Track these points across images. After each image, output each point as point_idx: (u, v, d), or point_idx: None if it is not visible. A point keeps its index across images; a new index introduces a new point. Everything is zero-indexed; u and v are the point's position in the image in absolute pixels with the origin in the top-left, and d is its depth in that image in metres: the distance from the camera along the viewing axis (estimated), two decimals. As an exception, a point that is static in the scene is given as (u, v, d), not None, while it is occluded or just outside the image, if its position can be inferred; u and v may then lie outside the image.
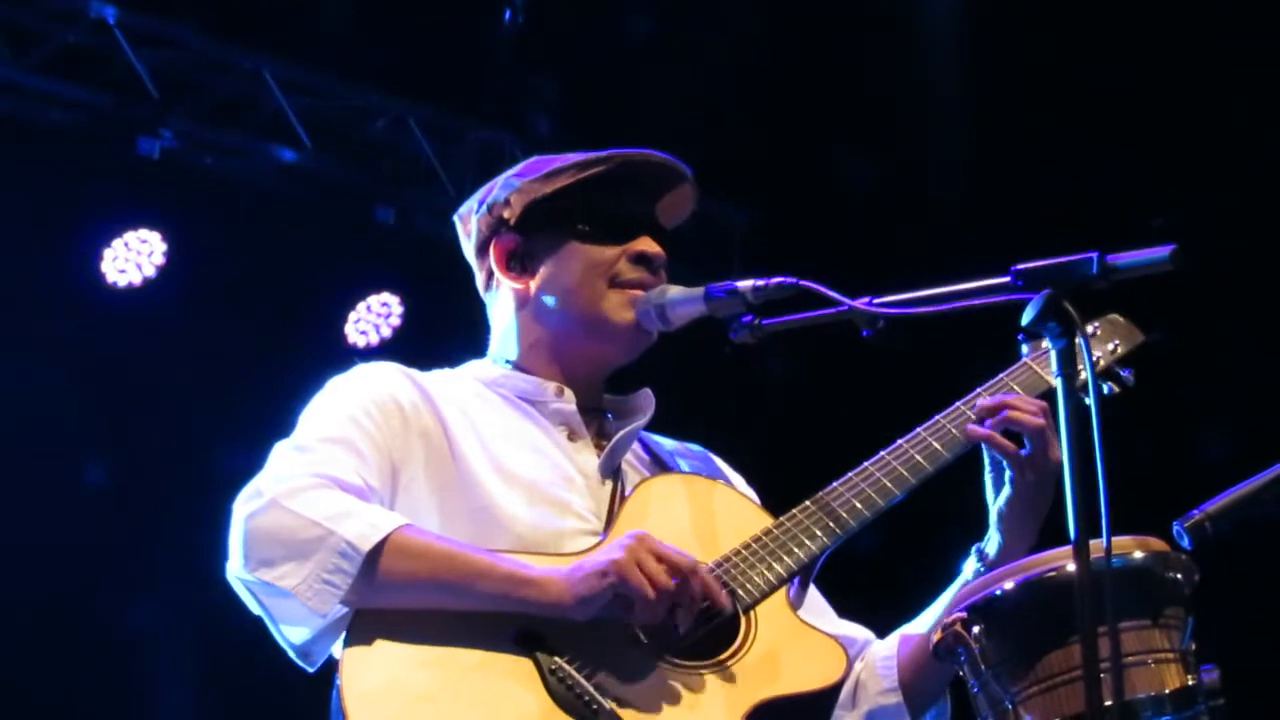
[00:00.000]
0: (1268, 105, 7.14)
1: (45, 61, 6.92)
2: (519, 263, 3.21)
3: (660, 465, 3.25)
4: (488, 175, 3.38)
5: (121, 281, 7.10)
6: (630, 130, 3.60)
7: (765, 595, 2.92)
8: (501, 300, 3.26)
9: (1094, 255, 2.54)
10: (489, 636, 2.78)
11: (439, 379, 3.18)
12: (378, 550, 2.77)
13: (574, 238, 3.16)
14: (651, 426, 3.24)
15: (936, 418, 3.16)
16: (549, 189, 3.16)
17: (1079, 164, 7.60)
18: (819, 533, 3.01)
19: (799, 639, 2.92)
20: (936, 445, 3.10)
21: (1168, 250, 2.54)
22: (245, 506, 2.84)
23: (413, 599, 2.79)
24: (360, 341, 7.68)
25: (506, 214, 3.19)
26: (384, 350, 7.57)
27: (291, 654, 2.88)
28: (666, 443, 3.34)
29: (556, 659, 2.77)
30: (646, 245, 3.16)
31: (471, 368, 3.25)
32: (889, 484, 3.07)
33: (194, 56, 7.27)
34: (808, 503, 3.05)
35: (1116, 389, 3.31)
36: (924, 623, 3.13)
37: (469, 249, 3.30)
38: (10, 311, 6.84)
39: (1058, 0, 7.48)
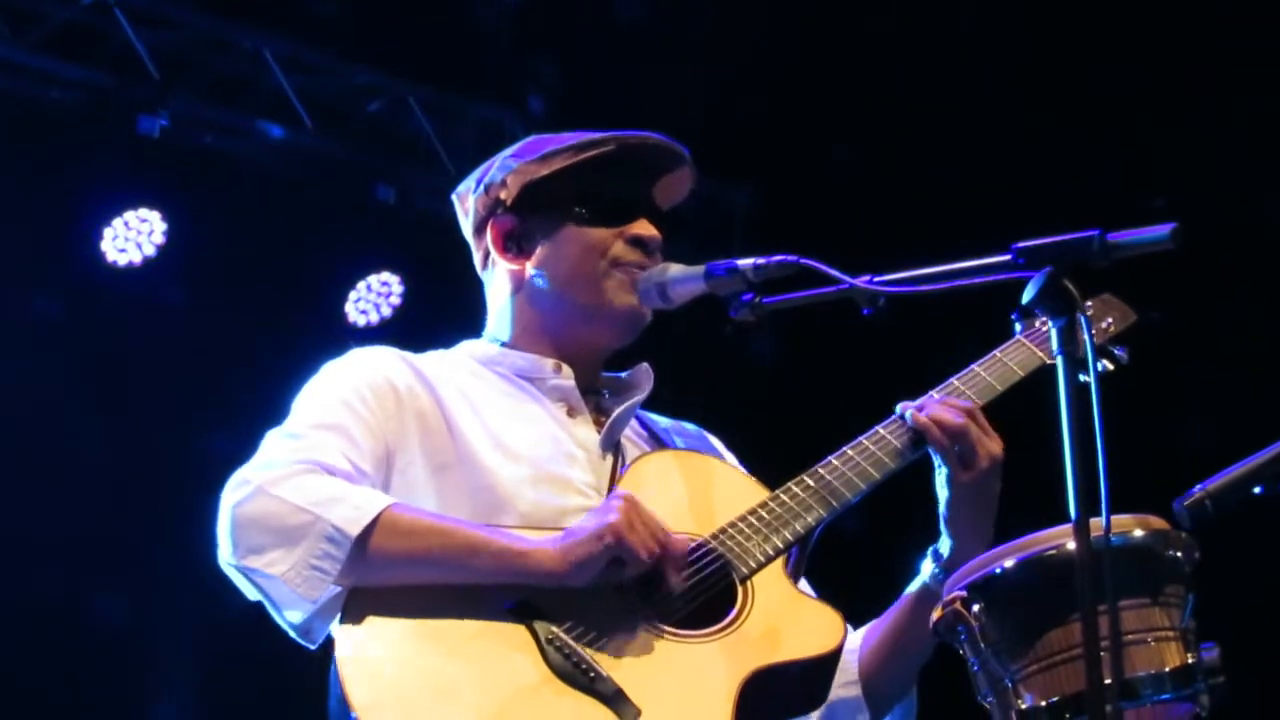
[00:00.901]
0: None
1: (45, 40, 6.90)
2: (516, 244, 3.20)
3: (657, 442, 3.25)
4: (488, 154, 3.36)
5: (121, 261, 7.09)
6: (631, 109, 3.60)
7: (762, 566, 2.93)
8: (498, 280, 3.25)
9: (1095, 233, 2.54)
10: (485, 608, 2.78)
11: (434, 360, 3.18)
12: (367, 532, 2.76)
13: (571, 220, 3.16)
14: (646, 405, 3.24)
15: (931, 393, 3.17)
16: (546, 171, 3.15)
17: (1081, 146, 7.60)
18: (816, 505, 3.02)
19: (796, 608, 2.93)
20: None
21: (1168, 229, 2.54)
22: (232, 495, 2.84)
23: (408, 576, 2.79)
24: (360, 321, 7.67)
25: (503, 194, 3.19)
26: (384, 329, 7.57)
27: (292, 633, 2.87)
28: (662, 420, 3.34)
29: (553, 628, 2.77)
30: (643, 228, 3.16)
31: (466, 347, 3.25)
32: (884, 458, 3.09)
33: (194, 35, 7.26)
34: (804, 476, 3.06)
35: (1111, 367, 3.35)
36: (886, 620, 3.17)
37: (467, 227, 3.30)
38: (10, 291, 6.83)
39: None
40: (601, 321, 3.17)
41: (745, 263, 3.02)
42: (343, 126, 7.68)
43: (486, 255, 3.26)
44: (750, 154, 7.95)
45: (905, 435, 3.10)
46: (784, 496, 3.03)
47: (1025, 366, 3.24)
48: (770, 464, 3.21)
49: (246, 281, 7.29)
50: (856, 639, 3.18)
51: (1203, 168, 7.32)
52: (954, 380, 3.19)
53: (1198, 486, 2.72)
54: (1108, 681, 2.45)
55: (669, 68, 7.52)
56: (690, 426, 3.38)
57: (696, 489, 3.05)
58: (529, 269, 3.18)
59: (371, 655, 2.73)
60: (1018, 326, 3.33)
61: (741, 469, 3.26)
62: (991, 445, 3.06)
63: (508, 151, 3.27)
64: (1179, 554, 2.73)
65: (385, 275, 7.74)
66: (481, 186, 3.24)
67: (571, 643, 2.76)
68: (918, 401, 3.13)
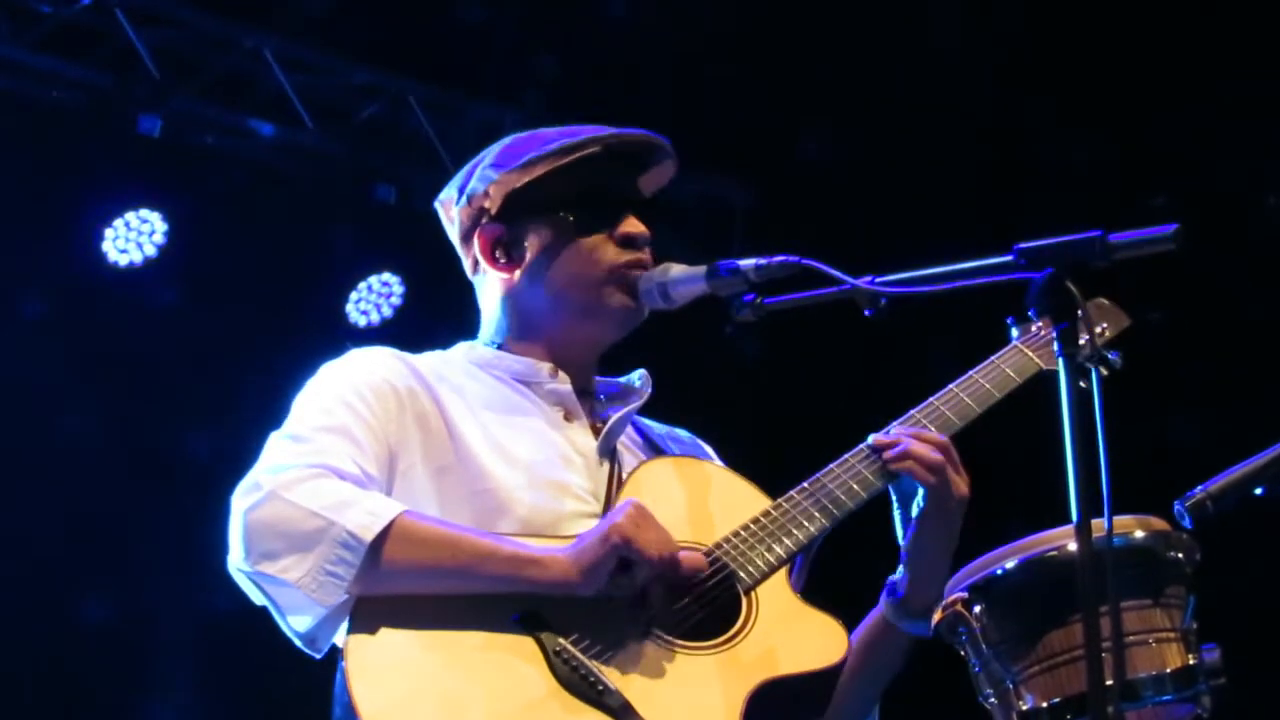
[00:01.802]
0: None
1: (45, 39, 6.90)
2: (504, 251, 3.19)
3: (653, 448, 3.24)
4: (487, 154, 3.34)
5: (122, 261, 7.09)
6: (631, 108, 3.59)
7: (766, 576, 2.92)
8: (489, 286, 3.24)
9: (1097, 234, 2.54)
10: (492, 619, 2.77)
11: (432, 361, 3.16)
12: (381, 539, 2.75)
13: (558, 226, 3.14)
14: (639, 410, 3.23)
15: (931, 400, 3.17)
16: (527, 178, 3.13)
17: (1080, 141, 7.60)
18: (817, 514, 3.00)
19: (800, 619, 2.92)
20: (931, 429, 3.10)
21: (1170, 229, 2.54)
22: (244, 500, 2.82)
23: (418, 585, 2.78)
24: (361, 321, 7.66)
25: (487, 204, 3.17)
26: (385, 330, 7.56)
27: (297, 642, 2.86)
28: (656, 426, 3.33)
29: (560, 640, 2.76)
30: (632, 226, 3.15)
31: (463, 349, 3.23)
32: (880, 473, 3.06)
33: (194, 35, 7.25)
34: (805, 484, 3.05)
35: (1105, 372, 3.33)
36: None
37: (453, 234, 3.28)
38: (10, 291, 6.83)
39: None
40: (596, 319, 3.16)
41: (747, 263, 3.02)
42: (343, 126, 7.67)
43: (476, 262, 3.25)
44: (752, 153, 7.94)
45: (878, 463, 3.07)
46: (786, 505, 3.02)
47: (1023, 373, 3.24)
48: (755, 464, 3.20)
49: (246, 282, 7.28)
50: None
51: (1202, 167, 7.32)
52: (952, 387, 3.19)
53: (1199, 487, 2.73)
54: (1109, 683, 2.45)
55: (669, 66, 7.52)
56: (683, 433, 3.37)
57: (697, 496, 3.04)
58: (519, 276, 3.17)
59: (380, 665, 2.72)
60: (1014, 332, 3.33)
61: (737, 475, 3.25)
62: (962, 484, 3.04)
63: (486, 158, 3.24)
64: (1180, 555, 2.74)
65: (386, 275, 7.73)
66: (464, 197, 3.22)
67: (579, 655, 2.75)
68: (892, 433, 3.09)
